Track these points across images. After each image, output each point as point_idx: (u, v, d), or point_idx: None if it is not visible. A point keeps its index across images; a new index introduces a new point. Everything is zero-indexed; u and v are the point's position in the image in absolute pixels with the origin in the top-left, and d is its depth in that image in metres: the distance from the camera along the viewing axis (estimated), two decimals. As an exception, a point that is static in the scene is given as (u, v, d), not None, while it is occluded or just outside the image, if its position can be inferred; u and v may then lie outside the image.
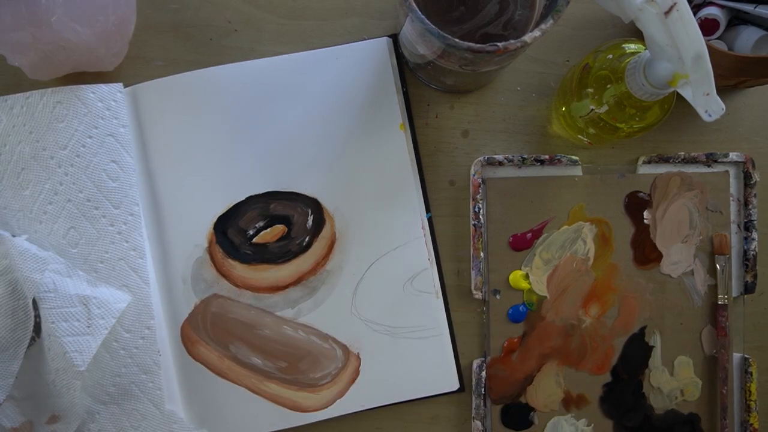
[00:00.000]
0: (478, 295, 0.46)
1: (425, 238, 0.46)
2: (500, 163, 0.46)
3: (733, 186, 0.47)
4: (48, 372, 0.41)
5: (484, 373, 0.46)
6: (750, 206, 0.47)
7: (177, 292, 0.45)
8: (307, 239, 0.45)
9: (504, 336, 0.46)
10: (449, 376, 0.46)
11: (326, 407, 0.45)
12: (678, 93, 0.34)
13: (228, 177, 0.45)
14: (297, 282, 0.45)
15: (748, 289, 0.47)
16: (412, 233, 0.46)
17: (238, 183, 0.45)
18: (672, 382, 0.47)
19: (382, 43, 0.46)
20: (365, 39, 0.46)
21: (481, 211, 0.46)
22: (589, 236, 0.46)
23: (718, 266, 0.47)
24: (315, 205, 0.45)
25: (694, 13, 0.44)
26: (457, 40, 0.32)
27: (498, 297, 0.46)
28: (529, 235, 0.46)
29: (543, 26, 0.33)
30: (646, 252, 0.47)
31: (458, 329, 0.46)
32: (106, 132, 0.44)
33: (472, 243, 0.46)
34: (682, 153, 0.47)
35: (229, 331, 0.45)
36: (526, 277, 0.46)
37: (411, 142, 0.46)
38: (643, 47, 0.39)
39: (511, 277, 0.46)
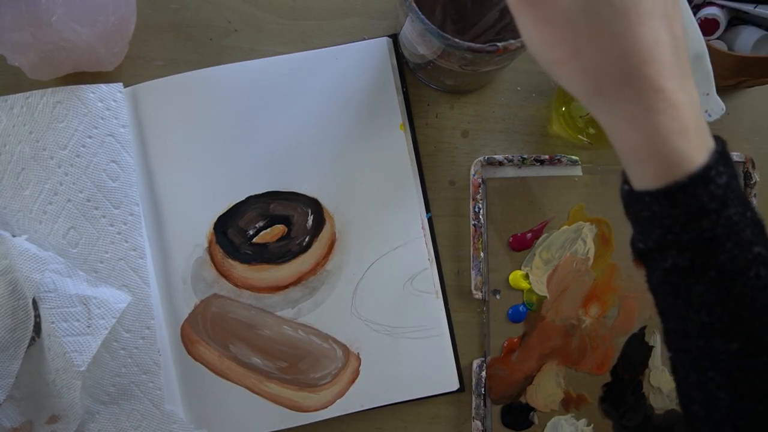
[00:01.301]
0: (478, 295, 0.46)
1: (425, 238, 0.46)
2: (500, 163, 0.46)
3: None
4: (48, 372, 0.41)
5: (484, 373, 0.46)
6: (750, 206, 0.47)
7: (177, 292, 0.45)
8: (307, 239, 0.45)
9: (504, 336, 0.46)
10: (449, 376, 0.46)
11: (326, 407, 0.45)
12: (678, 93, 0.34)
13: (228, 177, 0.45)
14: (297, 282, 0.45)
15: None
16: (412, 233, 0.46)
17: (238, 183, 0.45)
18: (672, 382, 0.47)
19: (382, 43, 0.46)
20: (365, 39, 0.46)
21: (481, 211, 0.46)
22: (589, 236, 0.46)
23: (718, 266, 0.47)
24: (315, 205, 0.45)
25: (694, 13, 0.44)
26: (457, 40, 0.32)
27: (498, 297, 0.46)
28: (529, 235, 0.46)
29: (543, 26, 0.33)
30: (646, 252, 0.47)
31: (458, 329, 0.46)
32: (106, 132, 0.44)
33: (472, 243, 0.46)
34: (682, 153, 0.47)
35: (229, 331, 0.45)
36: (526, 277, 0.46)
37: (411, 142, 0.46)
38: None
39: (511, 277, 0.46)
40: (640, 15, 0.23)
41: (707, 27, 0.44)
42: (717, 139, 0.26)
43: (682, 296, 0.25)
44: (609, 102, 0.25)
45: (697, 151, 0.24)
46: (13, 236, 0.42)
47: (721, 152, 0.25)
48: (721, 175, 0.24)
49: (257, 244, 0.45)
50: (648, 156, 0.24)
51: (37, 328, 0.41)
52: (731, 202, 0.24)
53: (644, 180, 0.25)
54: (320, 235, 0.45)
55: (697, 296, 0.25)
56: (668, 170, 0.24)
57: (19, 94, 0.43)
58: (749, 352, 0.24)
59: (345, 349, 0.45)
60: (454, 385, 0.46)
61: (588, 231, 0.46)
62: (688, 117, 0.24)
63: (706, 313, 0.25)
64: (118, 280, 0.43)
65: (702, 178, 0.23)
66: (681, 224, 0.24)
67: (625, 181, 0.26)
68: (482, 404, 0.46)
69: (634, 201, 0.26)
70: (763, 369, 0.24)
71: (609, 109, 0.25)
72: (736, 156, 0.47)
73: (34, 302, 0.40)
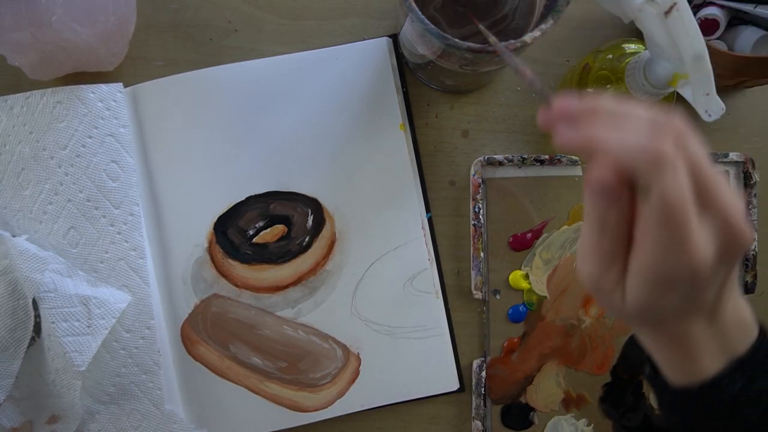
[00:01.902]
0: (478, 295, 0.46)
1: (425, 238, 0.46)
2: (500, 163, 0.46)
3: (733, 186, 0.47)
4: (48, 372, 0.41)
5: (484, 373, 0.46)
6: (750, 206, 0.47)
7: (177, 292, 0.45)
8: (307, 239, 0.45)
9: (504, 336, 0.46)
10: (449, 376, 0.46)
11: (326, 407, 0.45)
12: (678, 93, 0.34)
13: (228, 177, 0.45)
14: (297, 282, 0.45)
15: (748, 289, 0.47)
16: (412, 233, 0.46)
17: (238, 183, 0.45)
18: (672, 382, 0.47)
19: (382, 43, 0.46)
20: (365, 39, 0.46)
21: (481, 211, 0.46)
22: (589, 236, 0.46)
23: (718, 266, 0.47)
24: (315, 205, 0.45)
25: (694, 13, 0.44)
26: (457, 40, 0.32)
27: (498, 297, 0.46)
28: (529, 235, 0.46)
29: (543, 26, 0.33)
30: (646, 252, 0.47)
31: (458, 329, 0.46)
32: (106, 132, 0.44)
33: (472, 243, 0.46)
34: (682, 153, 0.47)
35: (229, 331, 0.45)
36: (526, 277, 0.46)
37: (411, 142, 0.46)
38: (643, 47, 0.39)
39: (511, 277, 0.46)
40: (688, 315, 0.25)
41: (707, 27, 0.44)
42: (761, 335, 0.27)
43: None
44: (641, 329, 0.27)
45: (716, 362, 0.26)
46: (13, 236, 0.42)
47: (745, 360, 0.26)
48: (734, 382, 0.26)
49: (257, 244, 0.45)
50: (670, 366, 0.27)
51: (37, 328, 0.41)
52: (747, 403, 0.26)
53: (665, 373, 0.28)
54: (320, 235, 0.45)
55: None
56: (685, 377, 0.26)
57: (19, 94, 0.43)
58: None
59: (345, 349, 0.45)
60: (454, 385, 0.46)
61: (588, 231, 0.46)
62: (710, 342, 0.25)
63: None
64: (118, 280, 0.43)
65: (712, 387, 0.26)
66: (697, 418, 0.27)
67: (649, 361, 0.29)
68: (482, 404, 0.46)
69: (655, 384, 0.29)
70: None
71: (641, 331, 0.27)
72: (735, 156, 0.47)
73: (34, 302, 0.40)
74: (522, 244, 0.46)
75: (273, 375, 0.45)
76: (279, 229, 0.45)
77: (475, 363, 0.46)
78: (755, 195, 0.47)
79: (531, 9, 0.38)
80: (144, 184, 0.45)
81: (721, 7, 0.44)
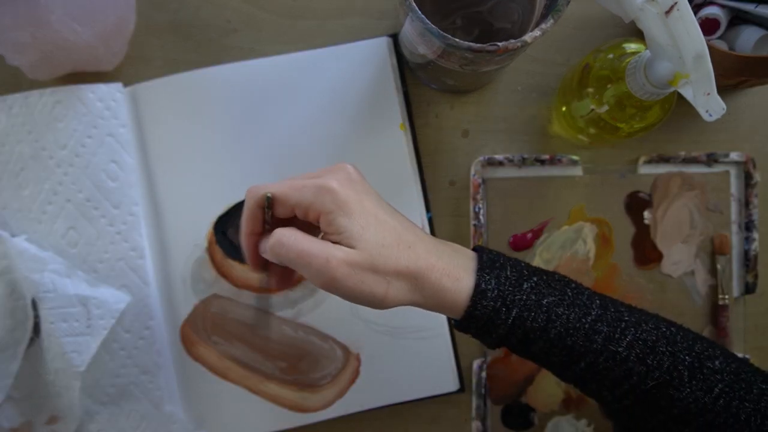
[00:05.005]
0: (478, 295, 0.45)
1: (425, 238, 0.46)
2: (500, 163, 0.46)
3: (734, 186, 0.47)
4: (47, 372, 0.41)
5: (484, 374, 0.46)
6: (751, 206, 0.47)
7: (177, 292, 0.45)
8: (307, 239, 0.45)
9: (504, 336, 0.46)
10: (449, 376, 0.46)
11: (326, 407, 0.45)
12: (678, 93, 0.34)
13: (228, 177, 0.45)
14: (297, 282, 0.45)
15: (749, 289, 0.47)
16: (412, 233, 0.45)
17: (238, 183, 0.45)
18: (672, 382, 0.47)
19: (382, 43, 0.46)
20: (365, 39, 0.46)
21: (481, 211, 0.46)
22: (590, 236, 0.46)
23: (718, 266, 0.46)
24: (315, 205, 0.45)
25: (695, 13, 0.44)
26: (457, 39, 0.32)
27: (498, 297, 0.46)
28: (529, 235, 0.46)
29: (543, 26, 0.33)
30: (646, 252, 0.47)
31: (458, 329, 0.46)
32: (105, 132, 0.44)
33: (472, 243, 0.46)
34: (683, 153, 0.47)
35: (229, 331, 0.45)
36: (527, 277, 0.46)
37: (411, 142, 0.46)
38: (644, 47, 0.39)
39: (511, 277, 0.46)
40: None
41: (708, 27, 0.44)
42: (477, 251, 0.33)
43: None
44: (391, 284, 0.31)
45: (466, 283, 0.31)
46: (13, 236, 0.42)
47: (485, 266, 0.31)
48: (489, 283, 0.31)
49: (257, 244, 0.45)
50: (444, 312, 0.32)
51: (37, 328, 0.41)
52: (510, 305, 0.31)
53: (452, 317, 0.33)
54: (320, 235, 0.45)
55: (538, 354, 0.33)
56: (454, 311, 0.31)
57: (19, 93, 0.43)
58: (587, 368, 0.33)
59: (345, 349, 0.45)
60: (454, 385, 0.46)
61: (588, 231, 0.46)
62: (445, 279, 0.31)
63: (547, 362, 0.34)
64: (117, 280, 0.43)
65: (480, 295, 0.30)
66: (491, 335, 0.32)
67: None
68: (482, 404, 0.46)
69: (458, 328, 0.33)
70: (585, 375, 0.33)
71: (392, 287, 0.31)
72: (736, 156, 0.47)
73: (34, 302, 0.40)
74: (522, 244, 0.46)
75: (273, 375, 0.45)
76: (279, 229, 0.45)
77: (475, 363, 0.46)
78: (756, 195, 0.47)
79: (530, 6, 0.38)
80: (144, 184, 0.45)
81: (722, 6, 0.44)
